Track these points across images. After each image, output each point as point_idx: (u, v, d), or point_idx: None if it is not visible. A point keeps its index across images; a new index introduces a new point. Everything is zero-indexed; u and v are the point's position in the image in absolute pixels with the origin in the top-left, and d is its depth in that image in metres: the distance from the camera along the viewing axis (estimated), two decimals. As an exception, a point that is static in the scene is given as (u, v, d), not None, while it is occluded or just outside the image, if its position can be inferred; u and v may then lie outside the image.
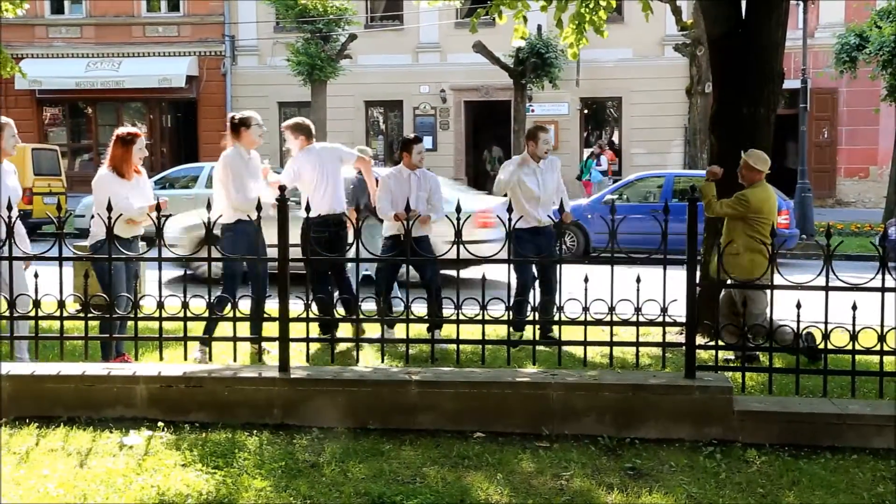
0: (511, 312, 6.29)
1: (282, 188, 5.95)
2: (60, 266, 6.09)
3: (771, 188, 7.83)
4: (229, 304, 6.46)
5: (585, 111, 29.51)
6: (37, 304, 6.07)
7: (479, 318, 6.11)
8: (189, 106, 30.32)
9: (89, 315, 6.16)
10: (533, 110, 27.49)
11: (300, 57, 24.85)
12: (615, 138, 29.34)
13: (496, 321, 6.28)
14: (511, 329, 6.82)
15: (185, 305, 6.09)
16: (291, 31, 26.31)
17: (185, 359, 6.45)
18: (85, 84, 29.32)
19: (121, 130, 7.21)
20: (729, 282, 7.09)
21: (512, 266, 6.68)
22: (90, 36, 30.44)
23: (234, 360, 6.56)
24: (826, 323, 5.89)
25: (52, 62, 29.45)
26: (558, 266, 6.67)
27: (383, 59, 28.63)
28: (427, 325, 7.34)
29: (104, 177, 7.04)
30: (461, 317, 6.10)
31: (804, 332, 6.18)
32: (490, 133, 29.96)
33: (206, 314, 6.22)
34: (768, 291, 6.22)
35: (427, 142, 29.06)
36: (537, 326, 6.51)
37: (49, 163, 21.54)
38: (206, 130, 29.65)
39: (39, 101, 30.34)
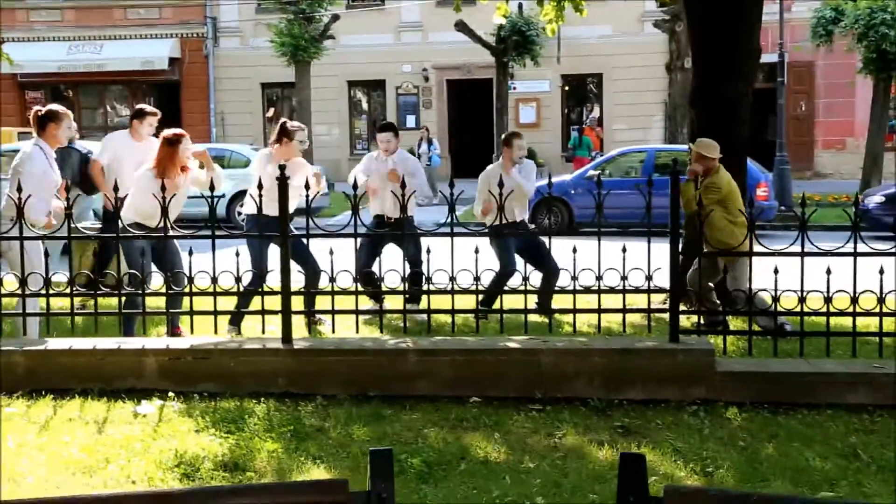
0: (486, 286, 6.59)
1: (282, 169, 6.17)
2: (70, 245, 6.35)
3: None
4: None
5: (567, 88, 29.74)
6: (47, 282, 6.31)
7: (474, 289, 6.39)
8: (172, 88, 30.34)
9: (98, 293, 6.42)
10: (515, 88, 27.69)
11: (283, 38, 24.90)
12: (595, 114, 29.60)
13: (486, 291, 6.53)
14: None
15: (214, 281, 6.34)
16: (273, 11, 26.36)
17: (192, 332, 6.69)
18: (67, 67, 29.33)
19: (167, 132, 7.29)
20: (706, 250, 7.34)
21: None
22: (71, 19, 30.38)
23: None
24: (801, 288, 6.17)
25: (33, 46, 29.37)
26: (546, 243, 6.95)
27: (365, 39, 28.72)
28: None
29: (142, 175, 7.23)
30: (455, 287, 6.37)
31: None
32: (472, 111, 30.17)
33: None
34: (747, 262, 6.51)
35: (410, 121, 29.47)
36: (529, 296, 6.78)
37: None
38: (189, 112, 29.72)
39: (21, 84, 30.28)
